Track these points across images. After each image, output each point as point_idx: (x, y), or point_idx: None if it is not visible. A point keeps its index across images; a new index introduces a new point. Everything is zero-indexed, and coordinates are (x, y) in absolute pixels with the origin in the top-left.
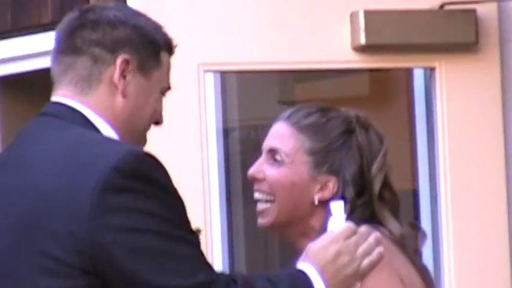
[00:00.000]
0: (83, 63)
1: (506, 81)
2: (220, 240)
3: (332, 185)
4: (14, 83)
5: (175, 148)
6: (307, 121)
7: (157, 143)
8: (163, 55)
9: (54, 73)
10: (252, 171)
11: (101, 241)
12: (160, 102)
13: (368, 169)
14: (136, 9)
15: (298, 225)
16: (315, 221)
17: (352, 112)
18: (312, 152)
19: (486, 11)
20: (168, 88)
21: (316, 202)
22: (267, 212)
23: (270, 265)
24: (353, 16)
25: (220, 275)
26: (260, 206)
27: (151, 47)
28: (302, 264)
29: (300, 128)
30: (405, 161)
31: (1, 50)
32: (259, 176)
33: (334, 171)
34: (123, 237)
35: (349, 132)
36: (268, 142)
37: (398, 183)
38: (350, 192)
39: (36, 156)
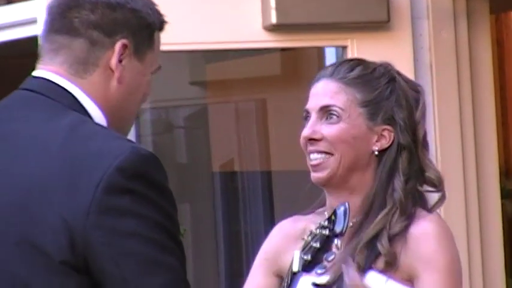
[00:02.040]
0: (79, 45)
1: (418, 59)
2: None
3: (388, 133)
4: None
5: None
6: (353, 74)
7: None
8: (156, 35)
9: (44, 49)
10: (308, 133)
11: (95, 240)
12: (149, 85)
13: (413, 115)
14: None
15: (353, 179)
16: (369, 174)
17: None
18: (364, 104)
19: None
20: (159, 68)
21: (376, 153)
22: (325, 164)
23: None
24: None
25: None
26: (317, 161)
27: (147, 31)
28: None
29: (347, 82)
30: None
31: None
32: (317, 136)
33: (388, 120)
34: (118, 240)
35: (392, 79)
36: (318, 101)
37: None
38: (406, 138)
39: (25, 139)
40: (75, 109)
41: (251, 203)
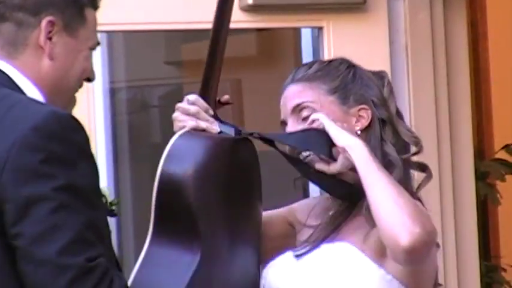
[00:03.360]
0: (7, 29)
1: (394, 40)
2: None
3: (365, 112)
4: None
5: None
6: (311, 70)
7: None
8: (88, 11)
9: None
10: None
11: (6, 199)
12: (89, 59)
13: (382, 92)
14: None
15: None
16: None
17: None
18: (332, 91)
19: None
20: (97, 43)
21: (359, 132)
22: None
23: None
24: None
25: (102, 267)
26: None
27: (74, 6)
28: None
29: (309, 78)
30: None
31: None
32: None
33: (361, 100)
34: (23, 198)
35: (351, 66)
36: (287, 106)
37: None
38: (383, 112)
39: None
40: (8, 86)
41: None
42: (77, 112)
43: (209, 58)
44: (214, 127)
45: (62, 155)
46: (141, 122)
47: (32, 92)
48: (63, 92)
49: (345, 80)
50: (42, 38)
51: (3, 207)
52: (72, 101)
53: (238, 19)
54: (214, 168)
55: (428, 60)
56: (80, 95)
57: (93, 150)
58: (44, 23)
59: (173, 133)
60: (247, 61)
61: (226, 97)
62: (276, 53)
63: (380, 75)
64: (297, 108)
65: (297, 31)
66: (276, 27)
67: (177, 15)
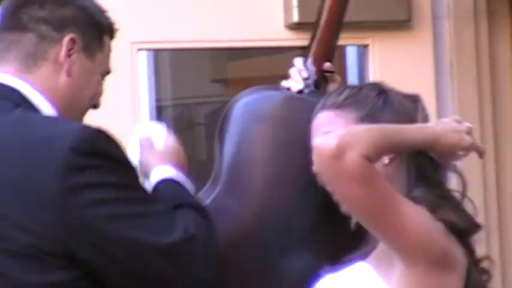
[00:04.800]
0: (29, 40)
1: (439, 58)
2: None
3: None
4: None
5: (108, 127)
6: (342, 97)
7: (90, 122)
8: (106, 38)
9: None
10: None
11: (77, 222)
12: (100, 84)
13: (415, 120)
14: None
15: None
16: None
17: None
18: (361, 119)
19: None
20: (108, 72)
21: (387, 162)
22: None
23: None
24: None
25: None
26: None
27: (95, 29)
28: None
29: (340, 105)
30: None
31: None
32: None
33: None
34: (97, 210)
35: (383, 92)
36: (317, 132)
37: None
38: None
39: None
40: (21, 104)
41: None
42: (123, 131)
43: (316, 20)
44: (296, 86)
45: (104, 167)
46: (186, 140)
47: (45, 107)
48: (75, 111)
49: (374, 108)
50: (62, 53)
51: (76, 234)
52: (80, 122)
53: (284, 37)
54: (256, 118)
55: (473, 78)
56: (126, 112)
57: None
58: (66, 39)
59: None
60: None
61: (327, 65)
62: None
63: (413, 99)
64: None
65: (342, 49)
66: None
67: (223, 34)
